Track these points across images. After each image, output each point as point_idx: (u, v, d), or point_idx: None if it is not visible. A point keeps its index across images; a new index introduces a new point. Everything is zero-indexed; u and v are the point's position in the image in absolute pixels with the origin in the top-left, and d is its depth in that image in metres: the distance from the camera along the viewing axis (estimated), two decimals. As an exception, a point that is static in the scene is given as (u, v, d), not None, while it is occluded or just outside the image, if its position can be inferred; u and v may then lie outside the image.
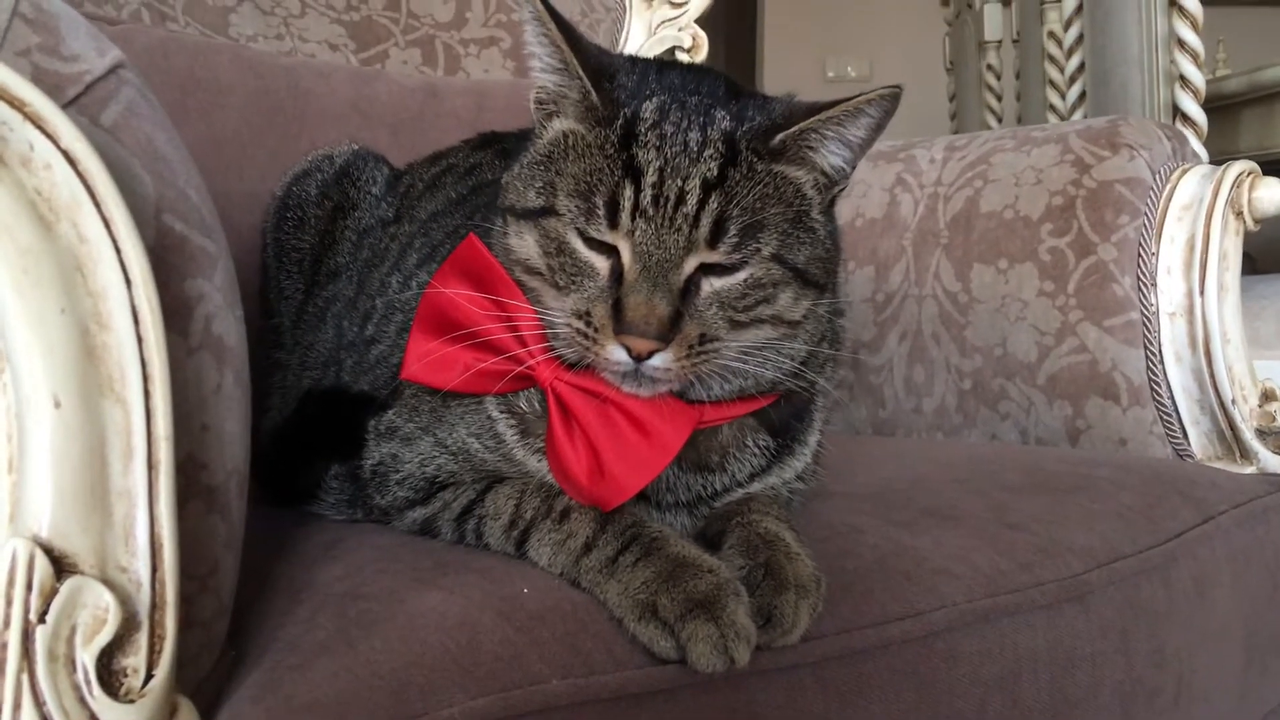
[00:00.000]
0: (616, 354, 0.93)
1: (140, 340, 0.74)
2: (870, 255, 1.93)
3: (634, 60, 1.05)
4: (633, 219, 0.93)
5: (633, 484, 0.96)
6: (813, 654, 0.94)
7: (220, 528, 0.84)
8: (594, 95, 0.97)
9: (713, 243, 0.93)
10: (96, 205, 0.73)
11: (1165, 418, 1.62)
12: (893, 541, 1.09)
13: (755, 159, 0.96)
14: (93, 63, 0.84)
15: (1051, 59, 3.74)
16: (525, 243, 0.99)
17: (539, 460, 1.03)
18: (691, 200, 0.92)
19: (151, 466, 0.75)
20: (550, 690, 0.83)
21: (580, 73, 0.97)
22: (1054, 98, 3.67)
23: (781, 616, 0.91)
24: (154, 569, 0.75)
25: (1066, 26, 3.56)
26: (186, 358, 0.82)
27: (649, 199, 0.92)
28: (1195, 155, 1.78)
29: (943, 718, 1.00)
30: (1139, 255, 1.64)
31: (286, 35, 1.97)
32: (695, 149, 0.94)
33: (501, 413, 1.05)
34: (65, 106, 0.76)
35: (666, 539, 0.94)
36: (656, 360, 0.92)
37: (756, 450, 1.07)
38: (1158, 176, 1.67)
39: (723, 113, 0.97)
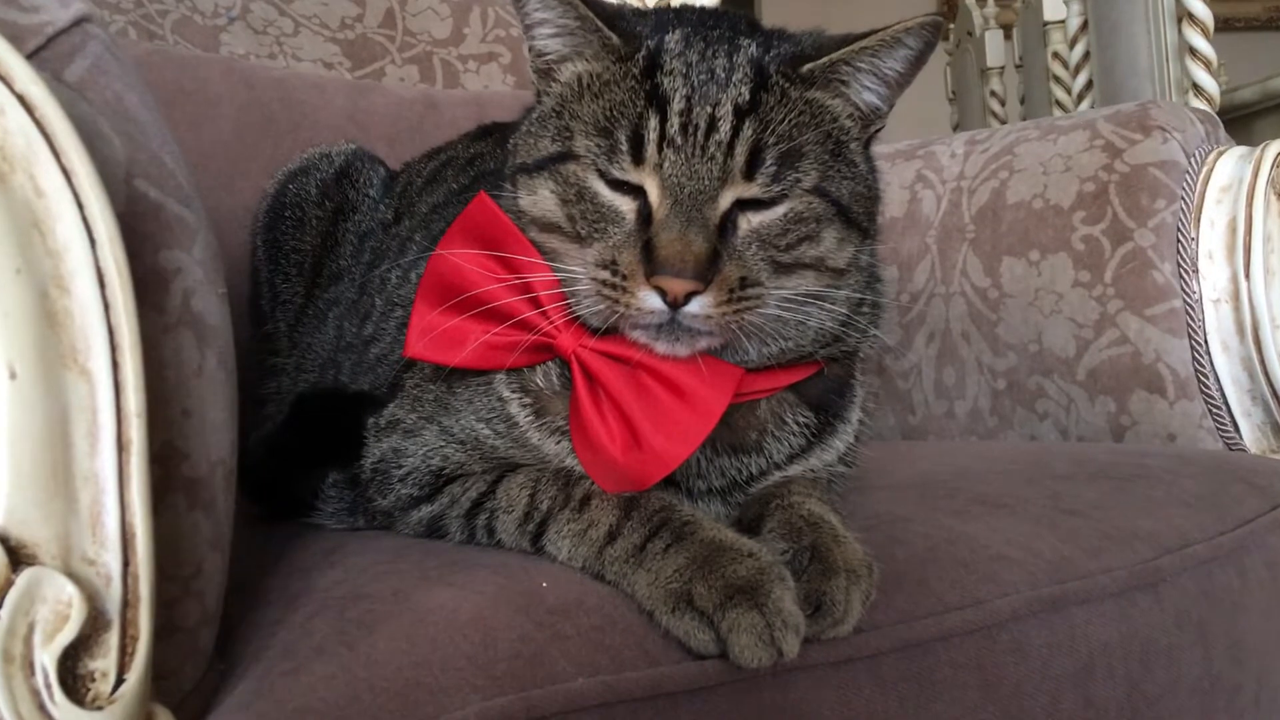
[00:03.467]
0: (650, 300, 0.84)
1: (107, 306, 0.68)
2: (892, 255, 1.84)
3: (642, 10, 1.01)
4: (660, 150, 0.85)
5: (674, 454, 0.87)
6: (868, 647, 0.84)
7: (204, 525, 0.76)
8: (611, 33, 0.90)
9: (749, 173, 0.86)
10: (56, 155, 0.67)
11: (1214, 410, 1.53)
12: (944, 529, 0.99)
13: (787, 84, 0.89)
14: (55, 14, 0.77)
15: (1057, 79, 3.69)
16: (539, 197, 0.91)
17: (558, 442, 0.94)
18: (724, 126, 0.85)
19: (122, 447, 0.68)
20: (575, 689, 0.74)
21: (595, 19, 0.90)
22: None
23: (832, 604, 0.82)
24: (126, 562, 0.67)
25: (1071, 45, 3.52)
26: (163, 335, 0.75)
27: (676, 127, 0.85)
28: (1229, 139, 1.71)
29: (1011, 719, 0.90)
30: (1178, 240, 1.56)
31: (279, 54, 1.92)
32: (723, 75, 0.87)
33: (514, 392, 0.96)
34: (25, 60, 0.69)
35: (699, 523, 0.85)
36: (695, 306, 0.84)
37: (796, 428, 0.99)
38: (1193, 159, 1.60)
39: (748, 40, 0.91)
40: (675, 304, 0.84)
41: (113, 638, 0.65)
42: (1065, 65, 3.58)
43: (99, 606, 0.65)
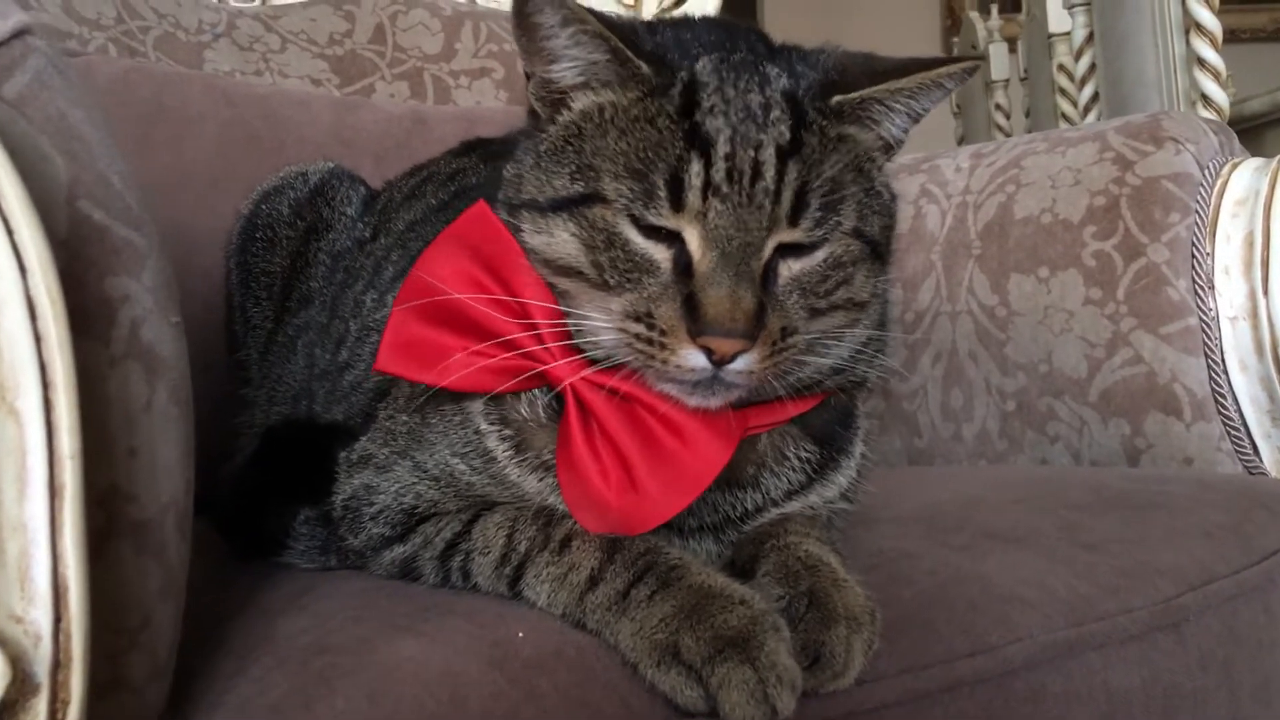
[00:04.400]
0: (694, 359, 0.79)
1: (39, 339, 0.63)
2: (896, 273, 1.78)
3: (650, 24, 0.91)
4: (704, 198, 0.79)
5: (671, 503, 0.82)
6: (870, 700, 0.78)
7: (154, 572, 0.71)
8: (643, 64, 0.82)
9: (794, 219, 0.80)
10: (-21, 175, 0.61)
11: (1233, 432, 1.47)
12: (952, 567, 0.93)
13: (824, 121, 0.83)
14: (-10, 25, 0.72)
15: (1063, 92, 3.64)
16: (556, 240, 0.84)
17: (540, 479, 0.88)
18: (769, 172, 0.79)
19: (54, 492, 0.63)
20: (551, 753, 0.68)
21: (628, 51, 0.82)
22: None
23: (832, 655, 0.76)
24: (57, 618, 0.62)
25: (1077, 57, 3.47)
26: (108, 368, 0.70)
27: (722, 174, 0.79)
28: (1243, 150, 1.65)
29: (1027, 774, 0.84)
30: (1193, 255, 1.50)
31: (266, 71, 1.87)
32: (760, 112, 0.81)
33: (492, 424, 0.90)
34: (-43, 75, 0.65)
35: (687, 567, 0.79)
36: (740, 363, 0.79)
37: (797, 463, 0.93)
38: (1207, 171, 1.54)
39: (774, 69, 0.84)
40: (721, 362, 0.78)
41: (40, 703, 0.60)
42: (1071, 78, 3.54)
43: (25, 669, 0.60)
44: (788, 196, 0.80)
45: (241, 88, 1.67)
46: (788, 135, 0.80)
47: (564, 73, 0.85)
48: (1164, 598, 0.95)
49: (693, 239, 0.80)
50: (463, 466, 0.91)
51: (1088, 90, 3.40)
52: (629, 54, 0.82)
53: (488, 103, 2.03)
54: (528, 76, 0.89)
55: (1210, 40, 2.74)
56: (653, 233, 0.81)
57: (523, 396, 0.89)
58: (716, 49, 0.86)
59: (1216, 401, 1.47)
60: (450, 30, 2.06)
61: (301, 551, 1.04)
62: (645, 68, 0.82)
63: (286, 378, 1.26)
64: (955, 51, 4.52)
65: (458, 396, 0.91)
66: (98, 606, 0.61)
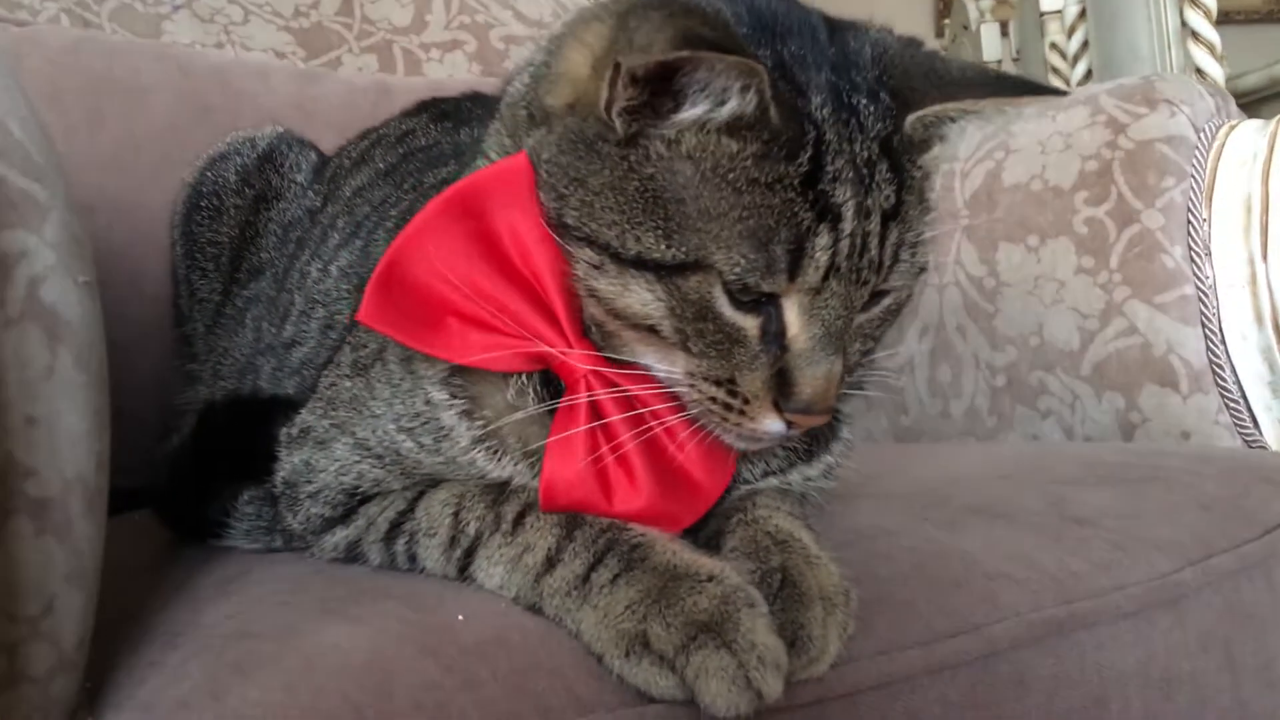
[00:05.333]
0: (774, 427, 0.74)
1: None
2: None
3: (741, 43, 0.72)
4: (825, 276, 0.72)
5: (677, 519, 0.78)
6: (842, 684, 0.72)
7: (57, 554, 0.65)
8: (775, 110, 0.70)
9: (885, 280, 0.76)
10: None
11: (1232, 405, 1.41)
12: (934, 543, 0.87)
13: (912, 168, 0.76)
14: None
15: (1056, 71, 3.58)
16: (632, 296, 0.73)
17: (514, 465, 0.80)
18: (875, 244, 0.73)
19: (-74, 464, 0.56)
20: (486, 747, 0.62)
21: (767, 86, 0.69)
22: (1061, 111, 3.53)
23: (808, 639, 0.70)
24: None
25: (1069, 35, 3.41)
26: (2, 330, 0.63)
27: (844, 250, 0.71)
28: (1240, 113, 1.59)
29: (1013, 764, 0.78)
30: (1189, 221, 1.44)
31: (227, 44, 1.80)
32: (866, 172, 0.73)
33: (451, 397, 0.80)
34: None
35: (651, 545, 0.73)
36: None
37: (782, 450, 0.88)
38: (1202, 134, 1.48)
39: (866, 101, 0.74)
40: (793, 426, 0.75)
41: (-85, 699, 0.54)
42: (1063, 56, 3.48)
43: (-108, 662, 0.54)
44: (888, 264, 0.75)
45: (196, 58, 1.61)
46: (894, 200, 0.74)
47: (688, 112, 0.71)
48: (1160, 573, 0.89)
49: (792, 311, 0.73)
50: (410, 444, 0.83)
51: (1080, 68, 3.35)
52: (771, 103, 0.70)
53: (460, 76, 1.97)
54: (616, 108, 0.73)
55: (1204, 13, 2.69)
56: (746, 304, 0.73)
57: (510, 381, 0.79)
58: (810, 67, 0.74)
59: (1214, 373, 1.41)
60: (420, 1, 1.99)
61: (245, 531, 0.97)
62: (777, 118, 0.70)
63: (233, 352, 1.19)
64: (946, 33, 4.46)
65: (406, 357, 0.83)
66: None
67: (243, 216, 1.27)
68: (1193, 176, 1.46)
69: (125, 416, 1.30)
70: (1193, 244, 1.44)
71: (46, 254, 0.66)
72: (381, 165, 1.18)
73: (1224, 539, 0.97)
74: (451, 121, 1.21)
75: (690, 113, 0.70)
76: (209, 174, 1.31)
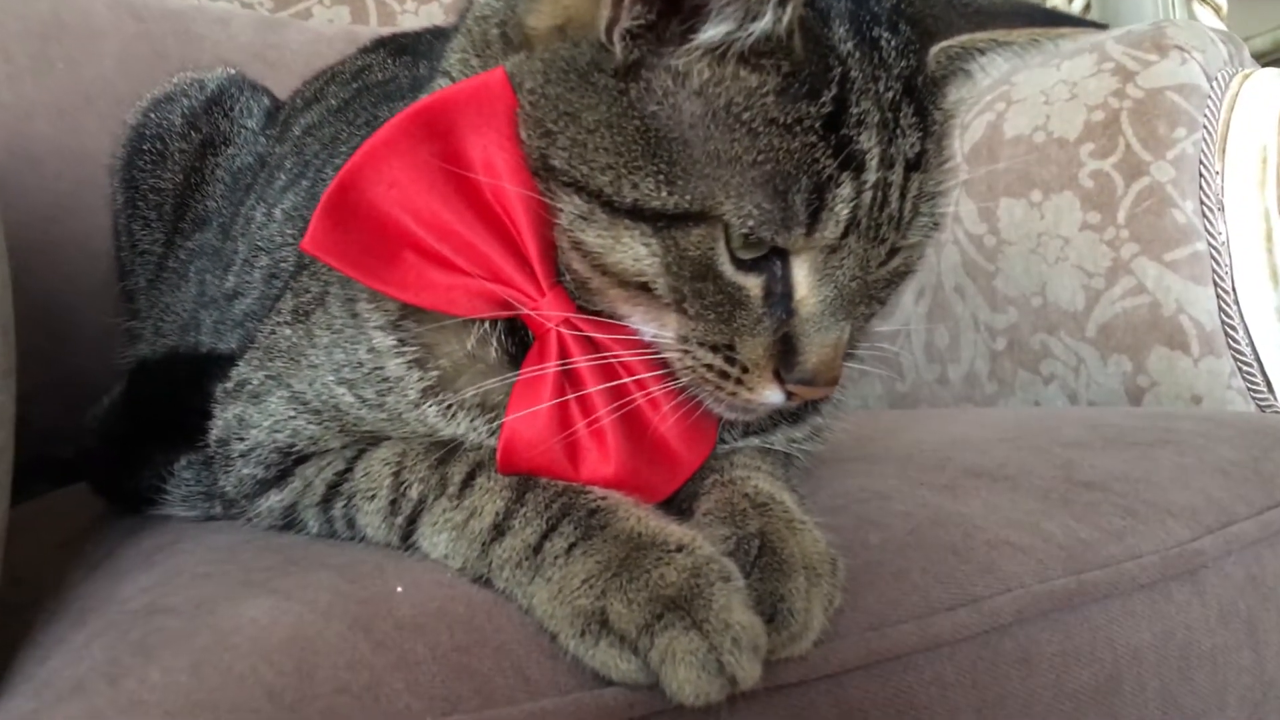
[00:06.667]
0: (772, 397, 0.68)
1: None
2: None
3: None
4: (845, 233, 0.64)
5: (655, 489, 0.71)
6: (828, 663, 0.65)
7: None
8: (799, 30, 0.63)
9: (903, 237, 0.69)
10: None
11: (1245, 368, 1.34)
12: (930, 508, 0.79)
13: (934, 106, 0.69)
14: None
15: (1059, 36, 3.51)
16: (623, 250, 0.65)
17: (470, 422, 0.72)
18: (896, 196, 0.66)
19: None
20: (420, 735, 0.54)
21: (800, 36, 0.63)
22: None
23: (789, 613, 0.62)
24: None
25: (1071, -2, 3.33)
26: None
27: (865, 203, 0.64)
28: (1254, 62, 1.51)
29: (1017, 749, 0.71)
30: (1200, 174, 1.36)
31: (190, -6, 1.71)
32: (891, 116, 0.65)
33: (395, 342, 0.72)
34: None
35: (613, 510, 0.65)
36: None
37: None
38: (1215, 83, 1.40)
39: (887, 34, 0.67)
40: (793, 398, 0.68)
41: None
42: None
43: None
44: (907, 219, 0.68)
45: (152, 2, 1.52)
46: (918, 149, 0.67)
47: (708, 32, 0.62)
48: (1177, 542, 0.82)
49: (802, 270, 0.65)
50: (350, 397, 0.74)
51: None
52: (797, 29, 0.62)
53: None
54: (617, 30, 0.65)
55: (1208, -31, 2.62)
56: (748, 263, 0.65)
57: (472, 328, 0.71)
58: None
59: (1227, 334, 1.34)
60: (394, -49, 1.90)
61: (182, 498, 0.89)
62: (801, 48, 0.63)
63: (175, 307, 1.11)
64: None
65: (350, 298, 0.75)
66: None
67: (188, 162, 1.19)
68: (1205, 127, 1.38)
69: (73, 381, 1.24)
70: (1204, 198, 1.36)
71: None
72: (334, 102, 1.09)
73: (1244, 505, 0.90)
74: (410, 55, 1.12)
75: (711, 32, 0.62)
76: (153, 116, 1.22)
